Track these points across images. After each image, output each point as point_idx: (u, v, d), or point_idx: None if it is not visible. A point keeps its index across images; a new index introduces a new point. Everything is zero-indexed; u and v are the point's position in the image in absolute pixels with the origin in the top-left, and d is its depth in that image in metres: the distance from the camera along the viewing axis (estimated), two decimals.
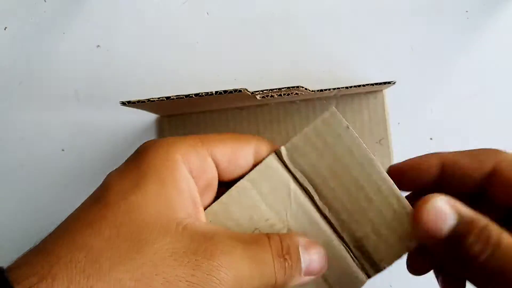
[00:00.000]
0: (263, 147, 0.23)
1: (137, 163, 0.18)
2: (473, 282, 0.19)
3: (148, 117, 0.40)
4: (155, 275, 0.15)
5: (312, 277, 0.21)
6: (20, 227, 0.41)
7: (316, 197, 0.23)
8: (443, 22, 0.41)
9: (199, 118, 0.38)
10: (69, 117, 0.42)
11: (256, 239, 0.20)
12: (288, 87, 0.28)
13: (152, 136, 0.40)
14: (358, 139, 0.23)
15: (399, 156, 0.39)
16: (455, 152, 0.24)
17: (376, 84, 0.35)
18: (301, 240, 0.21)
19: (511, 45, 0.41)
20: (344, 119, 0.24)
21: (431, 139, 0.41)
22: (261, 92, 0.29)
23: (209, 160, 0.20)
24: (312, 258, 0.21)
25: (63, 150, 0.41)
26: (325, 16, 0.40)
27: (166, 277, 0.15)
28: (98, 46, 0.42)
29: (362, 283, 0.24)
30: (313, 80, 0.40)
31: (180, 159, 0.18)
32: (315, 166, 0.23)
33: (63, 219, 0.18)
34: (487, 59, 0.41)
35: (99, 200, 0.17)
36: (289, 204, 0.23)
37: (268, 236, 0.20)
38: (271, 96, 0.29)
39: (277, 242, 0.20)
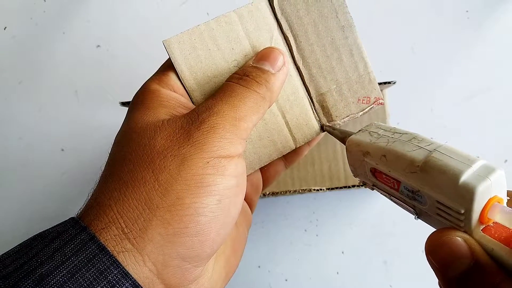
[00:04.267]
0: None
1: (130, 107, 0.22)
2: None
3: None
4: (163, 157, 0.18)
5: (285, 70, 0.23)
6: (20, 226, 0.41)
7: (294, 48, 0.24)
8: (443, 22, 0.41)
9: None
10: (69, 117, 0.42)
11: (221, 88, 0.22)
12: None
13: None
14: (346, 5, 0.24)
15: None
16: None
17: None
18: (251, 60, 0.23)
19: (511, 45, 0.41)
20: None
21: (431, 138, 0.41)
22: None
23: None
24: (267, 56, 0.22)
25: (63, 150, 0.41)
26: None
27: (172, 153, 0.18)
28: (98, 46, 0.42)
29: (316, 133, 0.25)
30: None
31: (157, 86, 0.22)
32: (301, 18, 0.24)
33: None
34: (487, 59, 0.41)
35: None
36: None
37: (228, 78, 0.22)
38: None
39: (234, 76, 0.22)
